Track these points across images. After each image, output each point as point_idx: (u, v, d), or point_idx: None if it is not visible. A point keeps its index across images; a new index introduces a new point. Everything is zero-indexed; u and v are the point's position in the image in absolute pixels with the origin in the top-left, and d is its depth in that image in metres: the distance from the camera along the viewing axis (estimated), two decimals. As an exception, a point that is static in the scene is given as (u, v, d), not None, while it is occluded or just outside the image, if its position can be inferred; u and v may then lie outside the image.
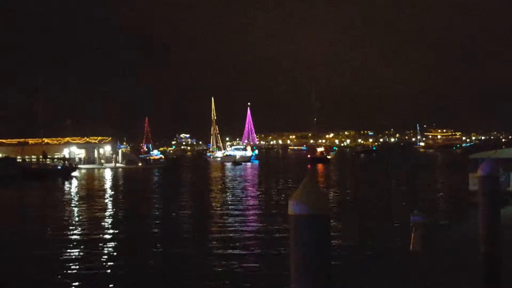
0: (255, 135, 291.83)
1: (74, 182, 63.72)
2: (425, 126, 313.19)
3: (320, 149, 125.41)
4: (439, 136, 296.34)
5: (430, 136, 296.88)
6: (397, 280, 10.63)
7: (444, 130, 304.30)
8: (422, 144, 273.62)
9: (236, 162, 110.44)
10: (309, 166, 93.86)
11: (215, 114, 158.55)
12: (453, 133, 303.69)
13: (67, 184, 60.61)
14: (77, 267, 18.80)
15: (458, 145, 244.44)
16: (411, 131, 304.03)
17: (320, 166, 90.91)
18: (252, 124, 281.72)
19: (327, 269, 4.33)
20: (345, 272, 13.63)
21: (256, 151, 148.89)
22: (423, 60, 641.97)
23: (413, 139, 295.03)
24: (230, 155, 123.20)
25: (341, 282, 10.41)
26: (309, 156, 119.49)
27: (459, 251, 12.73)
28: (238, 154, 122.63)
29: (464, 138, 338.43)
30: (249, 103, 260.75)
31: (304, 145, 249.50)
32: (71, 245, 22.91)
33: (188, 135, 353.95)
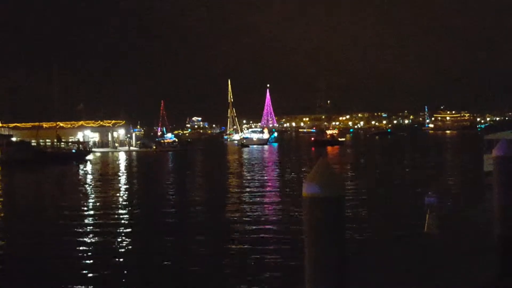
0: (274, 117, 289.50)
1: (89, 166, 64.13)
2: (442, 107, 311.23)
3: (330, 131, 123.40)
4: (448, 118, 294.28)
5: (440, 118, 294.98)
6: (412, 262, 10.61)
7: (454, 112, 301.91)
8: (431, 125, 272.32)
9: (244, 145, 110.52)
10: (312, 148, 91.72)
11: (231, 97, 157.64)
12: (462, 115, 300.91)
13: (81, 168, 61.03)
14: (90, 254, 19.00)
15: (483, 126, 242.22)
16: (425, 113, 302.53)
17: (330, 149, 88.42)
18: (271, 106, 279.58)
19: (340, 249, 4.33)
20: (360, 254, 13.64)
21: (276, 134, 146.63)
22: (438, 42, 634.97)
23: (427, 121, 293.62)
24: (247, 137, 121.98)
25: (356, 264, 10.41)
26: (312, 138, 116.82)
27: (474, 232, 12.67)
28: (255, 136, 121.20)
29: (478, 119, 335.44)
30: (268, 85, 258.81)
31: (314, 128, 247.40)
32: (86, 231, 23.13)
33: (200, 118, 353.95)
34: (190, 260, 17.05)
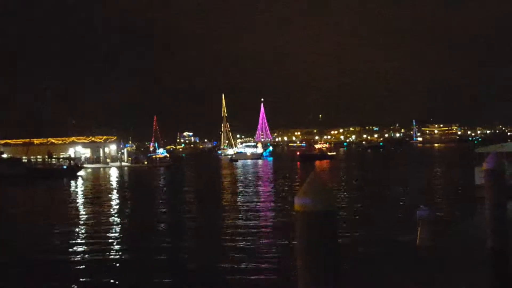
0: (269, 132, 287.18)
1: (80, 182, 63.82)
2: (432, 119, 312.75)
3: (319, 146, 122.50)
4: (436, 131, 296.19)
5: (428, 132, 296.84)
6: (404, 275, 10.61)
7: (442, 125, 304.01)
8: (419, 139, 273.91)
9: (233, 159, 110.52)
10: (298, 163, 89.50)
11: (225, 111, 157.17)
12: (450, 128, 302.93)
13: (73, 184, 60.70)
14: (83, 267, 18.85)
15: (479, 138, 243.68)
16: (417, 126, 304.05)
17: (318, 164, 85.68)
18: (265, 120, 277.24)
19: (334, 264, 4.32)
20: (353, 267, 13.62)
21: (271, 148, 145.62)
22: (429, 56, 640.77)
23: (418, 134, 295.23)
24: (240, 152, 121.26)
25: (349, 277, 10.39)
26: (297, 153, 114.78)
27: (466, 245, 12.68)
28: (249, 151, 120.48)
29: (469, 132, 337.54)
30: (262, 99, 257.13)
31: (304, 142, 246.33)
32: (78, 248, 22.96)
33: (191, 133, 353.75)
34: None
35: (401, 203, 32.63)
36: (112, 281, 16.76)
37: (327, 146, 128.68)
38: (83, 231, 26.69)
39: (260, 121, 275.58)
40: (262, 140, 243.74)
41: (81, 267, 18.78)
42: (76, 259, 20.03)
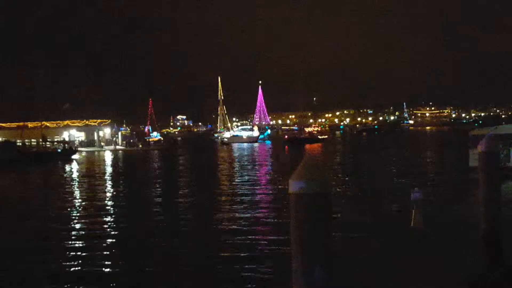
0: (267, 115, 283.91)
1: (75, 165, 63.68)
2: (426, 102, 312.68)
3: (309, 129, 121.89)
4: (427, 114, 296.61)
5: (419, 114, 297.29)
6: (398, 257, 10.67)
7: (433, 108, 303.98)
8: (411, 122, 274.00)
9: (224, 143, 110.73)
10: (286, 147, 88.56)
11: (222, 94, 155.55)
12: (441, 111, 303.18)
13: (67, 167, 60.56)
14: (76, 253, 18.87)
15: (480, 121, 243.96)
16: (410, 109, 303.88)
17: (308, 147, 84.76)
18: (263, 103, 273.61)
19: (327, 247, 4.33)
20: (345, 250, 13.68)
21: (269, 131, 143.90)
22: (421, 40, 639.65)
23: (411, 117, 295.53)
24: (237, 135, 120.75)
25: (341, 260, 10.45)
26: (285, 136, 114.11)
27: (459, 227, 12.76)
28: (245, 134, 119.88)
29: (463, 115, 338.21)
30: (260, 81, 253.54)
31: (296, 125, 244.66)
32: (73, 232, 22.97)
33: (184, 117, 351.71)
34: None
35: (394, 185, 32.68)
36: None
37: (318, 129, 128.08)
38: (76, 220, 26.70)
39: (258, 104, 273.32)
40: (257, 123, 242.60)
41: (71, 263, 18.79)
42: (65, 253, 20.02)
